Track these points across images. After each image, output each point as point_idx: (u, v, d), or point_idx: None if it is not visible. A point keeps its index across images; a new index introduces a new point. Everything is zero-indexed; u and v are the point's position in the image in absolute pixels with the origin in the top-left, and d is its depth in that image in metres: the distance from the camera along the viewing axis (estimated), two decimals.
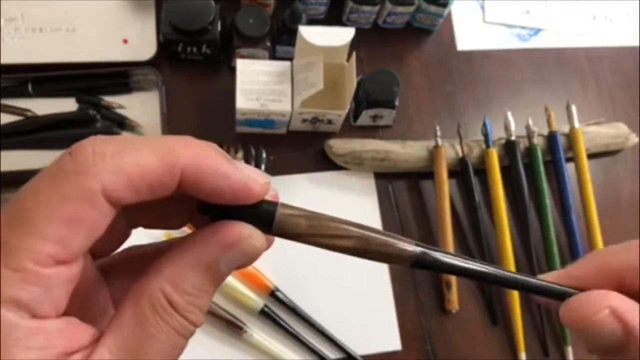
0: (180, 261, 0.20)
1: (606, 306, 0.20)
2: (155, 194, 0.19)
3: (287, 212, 0.21)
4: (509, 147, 0.69)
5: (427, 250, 0.21)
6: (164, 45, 0.67)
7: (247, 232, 0.20)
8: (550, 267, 0.67)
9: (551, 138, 0.70)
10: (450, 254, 0.22)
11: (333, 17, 0.73)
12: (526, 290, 0.22)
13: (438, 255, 0.22)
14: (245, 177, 0.20)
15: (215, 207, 0.20)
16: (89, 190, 0.18)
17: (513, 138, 0.69)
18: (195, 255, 0.20)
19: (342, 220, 0.21)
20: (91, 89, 0.66)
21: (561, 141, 0.70)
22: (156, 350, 0.19)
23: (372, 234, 0.21)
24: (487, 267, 0.22)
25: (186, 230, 0.24)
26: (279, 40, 0.68)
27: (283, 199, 0.21)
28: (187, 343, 0.20)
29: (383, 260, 0.21)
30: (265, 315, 0.60)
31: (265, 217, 0.21)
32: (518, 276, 0.22)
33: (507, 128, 0.69)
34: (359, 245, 0.21)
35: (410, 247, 0.21)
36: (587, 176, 0.69)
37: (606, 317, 0.20)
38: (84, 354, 0.18)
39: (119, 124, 0.65)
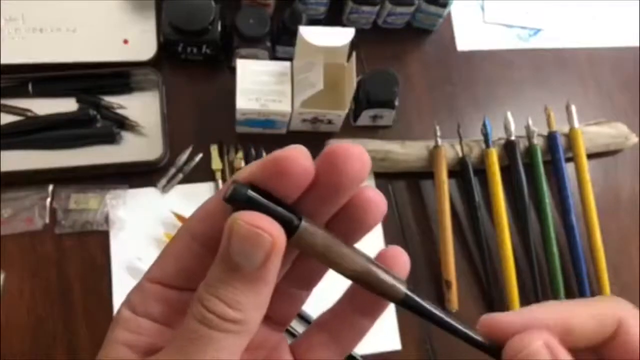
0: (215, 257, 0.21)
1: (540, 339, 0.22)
2: None
3: (310, 229, 0.21)
4: (508, 147, 0.69)
5: (411, 296, 0.24)
6: (164, 45, 0.67)
7: (238, 215, 0.19)
8: (550, 267, 0.67)
9: (551, 138, 0.70)
10: (430, 304, 0.24)
11: (333, 17, 0.73)
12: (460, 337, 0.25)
13: (421, 302, 0.24)
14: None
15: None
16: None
17: (513, 138, 0.69)
18: (218, 249, 0.20)
19: (354, 252, 0.22)
20: (91, 89, 0.66)
21: (561, 141, 0.70)
22: (185, 339, 0.20)
23: (373, 271, 0.23)
24: (450, 318, 0.25)
25: None
26: (279, 40, 0.68)
27: None
28: (224, 338, 0.20)
29: (377, 294, 0.24)
30: None
31: (288, 224, 0.20)
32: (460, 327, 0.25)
33: (506, 128, 0.69)
34: (358, 277, 0.23)
35: (401, 289, 0.24)
36: (587, 176, 0.69)
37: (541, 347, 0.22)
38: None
39: (119, 124, 0.65)
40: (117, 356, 0.22)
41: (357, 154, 0.20)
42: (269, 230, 0.19)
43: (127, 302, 0.23)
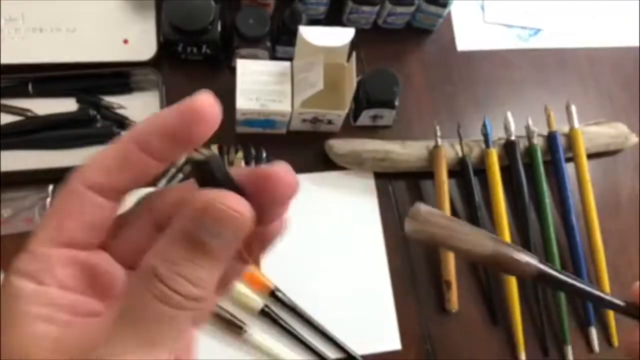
0: (167, 233, 0.20)
1: None
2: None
3: (424, 223, 0.21)
4: (508, 147, 0.69)
5: (546, 271, 0.22)
6: (164, 45, 0.67)
7: (214, 196, 0.19)
8: None
9: (551, 138, 0.70)
10: (564, 273, 0.23)
11: (333, 17, 0.73)
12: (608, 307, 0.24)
13: (555, 273, 0.23)
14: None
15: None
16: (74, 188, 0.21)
17: (513, 138, 0.69)
18: (176, 226, 0.20)
19: (475, 229, 0.22)
20: (91, 89, 0.66)
21: (561, 141, 0.70)
22: (145, 320, 0.19)
23: (503, 250, 0.22)
24: (592, 288, 0.24)
25: None
26: (279, 40, 0.68)
27: None
28: (184, 317, 0.20)
29: (507, 274, 0.22)
30: (265, 315, 0.61)
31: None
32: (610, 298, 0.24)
33: (506, 128, 0.69)
34: (487, 261, 0.22)
35: (534, 265, 0.22)
36: (587, 176, 0.69)
37: None
38: (94, 318, 0.20)
39: (119, 124, 0.65)
40: (36, 333, 0.19)
41: (288, 182, 0.21)
42: (243, 211, 0.20)
43: (19, 273, 0.20)
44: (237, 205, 0.20)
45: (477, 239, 0.21)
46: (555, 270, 0.23)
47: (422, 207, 0.20)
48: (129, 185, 0.22)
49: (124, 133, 0.21)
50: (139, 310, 0.19)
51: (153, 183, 0.65)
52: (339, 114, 0.65)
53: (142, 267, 0.20)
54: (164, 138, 0.21)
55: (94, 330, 0.20)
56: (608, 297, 0.24)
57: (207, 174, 0.20)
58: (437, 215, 0.21)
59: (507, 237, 0.66)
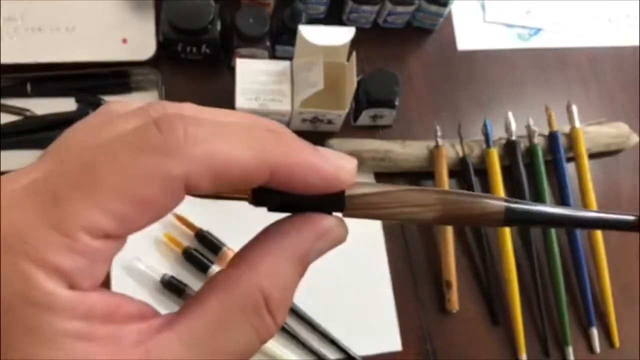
0: (277, 253, 0.19)
1: None
2: (233, 187, 0.18)
3: (357, 193, 0.20)
4: (509, 147, 0.69)
5: (515, 205, 0.20)
6: (163, 44, 0.67)
7: (334, 222, 0.20)
8: (551, 267, 0.67)
9: (552, 138, 0.70)
10: (536, 203, 0.20)
11: (333, 17, 0.73)
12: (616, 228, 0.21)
13: (526, 206, 0.20)
14: (336, 167, 0.19)
15: (276, 195, 0.19)
16: (171, 176, 0.16)
17: (514, 138, 0.68)
18: (291, 246, 0.19)
19: (417, 189, 0.20)
20: (91, 89, 0.66)
21: (562, 141, 0.70)
22: (229, 350, 0.17)
23: (452, 197, 0.20)
24: (572, 210, 0.21)
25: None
26: (279, 39, 0.68)
27: None
28: (258, 349, 0.18)
29: (471, 223, 0.20)
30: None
31: (336, 203, 0.20)
32: (605, 215, 0.21)
33: (507, 128, 0.69)
34: (440, 215, 0.20)
35: (497, 203, 0.20)
36: (588, 176, 0.69)
37: None
38: (139, 327, 0.16)
39: None
40: (76, 355, 0.15)
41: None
42: (345, 226, 0.20)
43: (48, 269, 0.15)
44: (346, 231, 0.20)
45: (417, 196, 0.20)
46: (528, 203, 0.20)
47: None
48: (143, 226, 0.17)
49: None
50: (222, 339, 0.17)
51: None
52: (339, 114, 0.65)
53: (243, 290, 0.18)
54: (233, 184, 0.18)
55: (139, 342, 0.16)
56: (614, 216, 0.20)
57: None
58: (366, 185, 0.20)
59: (507, 236, 0.66)
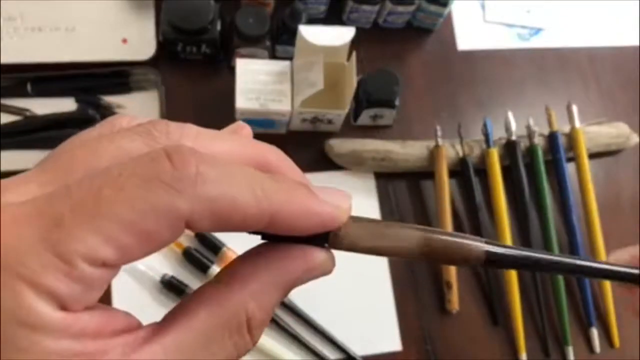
0: (267, 277, 0.19)
1: None
2: (229, 230, 0.18)
3: (346, 230, 0.20)
4: (509, 147, 0.69)
5: (496, 248, 0.20)
6: (163, 44, 0.67)
7: (326, 257, 0.21)
8: None
9: (552, 138, 0.70)
10: (517, 247, 0.21)
11: (333, 17, 0.73)
12: (604, 277, 0.21)
13: (507, 250, 0.20)
14: (333, 207, 0.19)
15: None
16: (178, 213, 0.16)
17: (514, 138, 0.68)
18: (281, 274, 0.19)
19: (402, 226, 0.21)
20: (90, 89, 0.66)
21: (562, 141, 0.70)
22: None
23: (436, 237, 0.20)
24: (556, 256, 0.21)
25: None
26: (279, 39, 0.68)
27: None
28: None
29: (450, 263, 0.21)
30: None
31: (323, 237, 0.20)
32: (593, 264, 0.21)
33: (507, 128, 0.69)
34: (423, 252, 0.20)
35: (478, 245, 0.20)
36: (588, 176, 0.69)
37: None
38: (125, 340, 0.17)
39: None
40: None
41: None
42: (333, 261, 0.21)
43: (43, 293, 0.15)
44: (333, 265, 0.21)
45: (402, 233, 0.20)
46: (510, 247, 0.20)
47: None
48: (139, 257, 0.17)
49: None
50: (206, 353, 0.18)
51: None
52: (339, 114, 0.65)
53: (230, 307, 0.18)
54: (233, 226, 0.18)
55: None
56: (613, 267, 0.20)
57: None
58: (353, 219, 0.20)
59: (507, 237, 0.66)
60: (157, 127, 0.18)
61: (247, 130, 0.22)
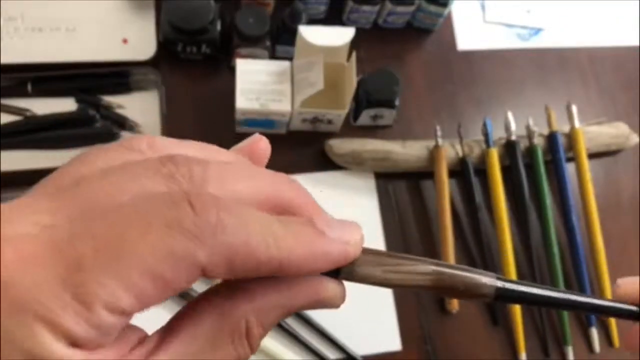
0: (274, 297, 0.19)
1: None
2: (242, 277, 0.18)
3: (358, 263, 0.20)
4: (509, 147, 0.69)
5: (505, 284, 0.20)
6: (163, 44, 0.67)
7: (337, 291, 0.21)
8: (551, 268, 0.67)
9: (552, 138, 0.70)
10: (526, 283, 0.21)
11: (333, 17, 0.73)
12: (604, 314, 0.22)
13: (517, 286, 0.21)
14: (342, 243, 0.19)
15: None
16: (195, 261, 0.16)
17: (513, 138, 0.68)
18: (290, 297, 0.20)
19: (415, 259, 0.21)
20: (91, 89, 0.66)
21: (562, 141, 0.70)
22: None
23: (447, 271, 0.20)
24: (565, 293, 0.21)
25: None
26: (279, 39, 0.68)
27: None
28: None
29: (461, 297, 0.21)
30: None
31: (335, 271, 0.20)
32: (595, 301, 0.22)
33: (507, 128, 0.69)
34: (434, 285, 0.21)
35: (489, 280, 0.20)
36: (588, 176, 0.69)
37: None
38: (138, 353, 0.17)
39: (118, 124, 0.65)
40: None
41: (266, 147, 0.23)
42: (343, 297, 0.22)
43: (65, 339, 0.15)
44: (343, 300, 0.21)
45: (414, 268, 0.20)
46: (519, 283, 0.21)
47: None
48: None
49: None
50: (207, 356, 0.18)
51: None
52: (339, 114, 0.65)
53: (234, 318, 0.18)
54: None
55: None
56: (612, 304, 0.21)
57: None
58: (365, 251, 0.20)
59: (507, 237, 0.66)
60: (181, 169, 0.18)
61: (264, 143, 0.23)
